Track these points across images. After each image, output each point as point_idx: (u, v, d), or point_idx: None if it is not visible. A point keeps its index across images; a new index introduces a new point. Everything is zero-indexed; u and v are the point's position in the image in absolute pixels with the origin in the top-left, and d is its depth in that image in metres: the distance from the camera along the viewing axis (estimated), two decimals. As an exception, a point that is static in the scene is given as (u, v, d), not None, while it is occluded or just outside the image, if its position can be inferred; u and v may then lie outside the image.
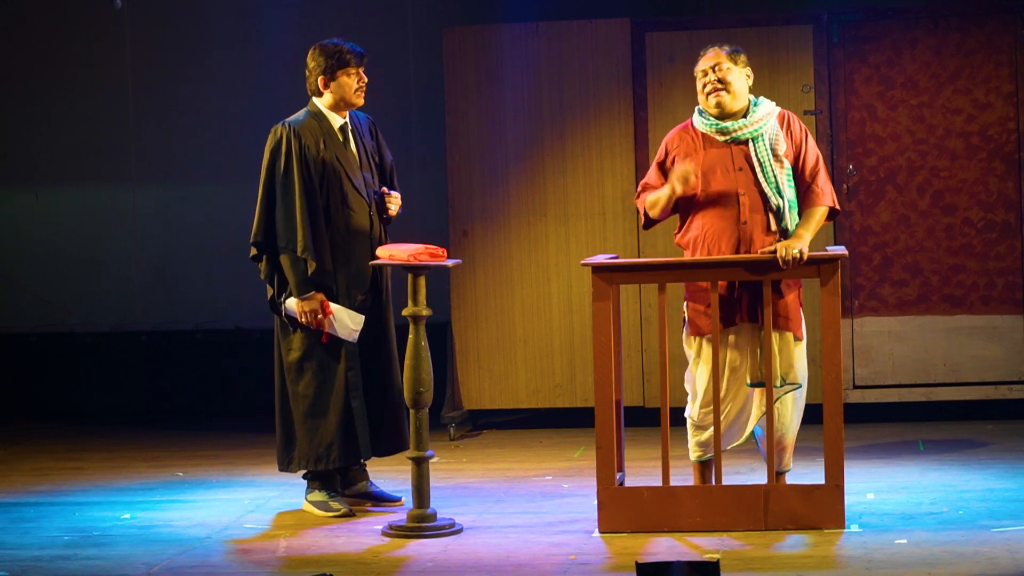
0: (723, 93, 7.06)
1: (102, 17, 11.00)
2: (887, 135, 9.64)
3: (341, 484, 7.68)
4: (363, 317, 7.48)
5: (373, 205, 7.59)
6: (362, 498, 7.73)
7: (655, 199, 7.09)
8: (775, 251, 6.86)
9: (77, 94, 11.26)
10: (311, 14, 10.96)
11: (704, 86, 7.09)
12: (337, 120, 7.57)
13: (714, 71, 7.06)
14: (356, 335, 7.47)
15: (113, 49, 11.23)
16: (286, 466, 7.63)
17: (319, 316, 7.41)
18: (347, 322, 7.44)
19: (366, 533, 7.14)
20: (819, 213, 7.07)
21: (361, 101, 7.57)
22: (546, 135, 9.84)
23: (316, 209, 7.45)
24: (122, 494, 8.22)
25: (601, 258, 7.09)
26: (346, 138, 7.58)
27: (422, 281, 7.10)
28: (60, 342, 11.29)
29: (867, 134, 9.64)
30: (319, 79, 7.53)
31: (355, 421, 7.50)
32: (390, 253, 7.19)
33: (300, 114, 7.59)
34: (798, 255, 6.83)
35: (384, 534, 7.06)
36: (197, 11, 11.18)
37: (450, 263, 7.18)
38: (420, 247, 7.15)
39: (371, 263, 7.40)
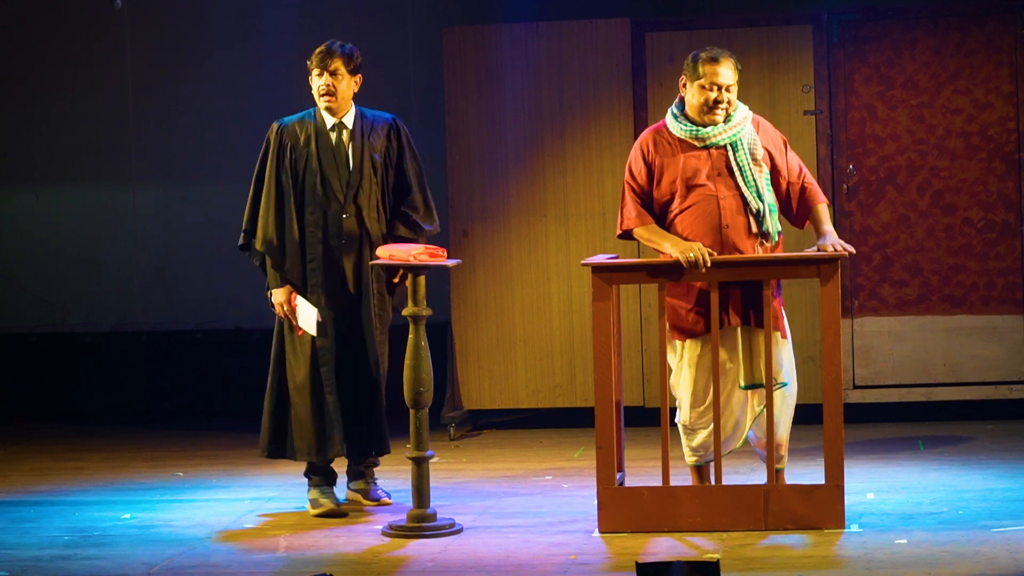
0: (728, 109, 7.05)
1: (102, 17, 11.00)
2: (887, 135, 9.64)
3: (348, 478, 7.75)
4: (316, 311, 7.53)
5: (352, 205, 7.57)
6: (362, 494, 7.76)
7: (650, 241, 7.04)
8: (823, 250, 6.93)
9: (77, 94, 11.26)
10: (311, 14, 10.95)
11: (714, 100, 7.01)
12: (329, 119, 7.60)
13: (727, 91, 7.03)
14: (315, 329, 7.54)
15: (113, 49, 11.23)
16: (261, 452, 7.72)
17: (285, 309, 7.53)
18: (309, 315, 7.50)
19: (366, 533, 7.14)
20: (826, 209, 7.15)
21: (326, 103, 7.59)
22: (546, 135, 9.84)
23: (284, 205, 7.55)
24: (122, 494, 8.22)
25: (601, 258, 7.09)
26: (339, 137, 7.60)
27: (422, 281, 7.10)
28: (60, 342, 11.28)
29: (867, 134, 9.64)
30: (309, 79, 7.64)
31: (327, 417, 7.54)
32: (390, 253, 7.20)
33: (303, 112, 7.69)
34: (843, 249, 6.93)
35: (384, 534, 7.06)
36: (197, 11, 11.18)
37: (450, 263, 7.19)
38: (420, 247, 7.16)
39: (371, 263, 7.41)
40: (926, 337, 9.62)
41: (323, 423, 7.53)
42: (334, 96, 7.55)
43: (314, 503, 7.57)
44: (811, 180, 7.17)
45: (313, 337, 7.54)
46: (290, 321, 7.56)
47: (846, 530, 6.76)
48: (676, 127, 7.09)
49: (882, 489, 7.62)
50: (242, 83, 11.11)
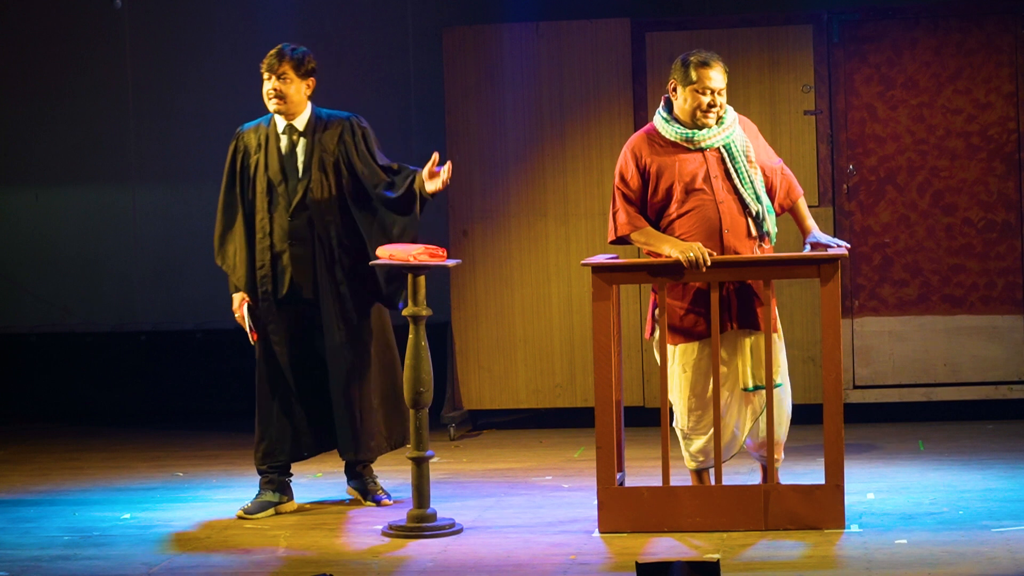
0: (719, 112, 7.05)
1: (102, 17, 11.00)
2: (887, 135, 9.64)
3: (347, 478, 7.78)
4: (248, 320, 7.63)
5: (301, 209, 7.53)
6: (360, 494, 7.76)
7: (647, 244, 7.01)
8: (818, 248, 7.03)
9: (77, 94, 11.26)
10: (311, 15, 10.95)
11: (708, 105, 6.99)
12: (281, 122, 7.62)
13: (720, 94, 7.03)
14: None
15: (113, 49, 11.23)
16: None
17: (237, 316, 7.63)
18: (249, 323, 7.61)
19: (366, 533, 7.14)
20: (804, 202, 7.25)
21: (274, 107, 7.59)
22: (546, 135, 9.84)
23: (233, 211, 7.60)
24: (122, 494, 8.22)
25: (601, 258, 7.08)
26: (289, 140, 7.59)
27: (422, 281, 7.10)
28: (60, 342, 11.28)
29: (867, 134, 9.64)
30: None
31: (287, 423, 7.62)
32: (390, 253, 7.19)
33: (263, 117, 7.72)
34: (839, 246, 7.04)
35: (384, 534, 7.06)
36: (197, 11, 11.18)
37: (450, 263, 7.18)
38: (420, 247, 7.15)
39: (371, 263, 7.39)
40: (926, 337, 9.62)
41: (283, 428, 7.62)
42: (283, 100, 7.55)
43: (248, 506, 7.61)
44: (788, 171, 7.23)
45: (268, 345, 7.57)
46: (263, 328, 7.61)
47: (846, 530, 6.76)
48: (668, 130, 7.07)
49: (882, 489, 7.62)
50: (242, 83, 11.10)
